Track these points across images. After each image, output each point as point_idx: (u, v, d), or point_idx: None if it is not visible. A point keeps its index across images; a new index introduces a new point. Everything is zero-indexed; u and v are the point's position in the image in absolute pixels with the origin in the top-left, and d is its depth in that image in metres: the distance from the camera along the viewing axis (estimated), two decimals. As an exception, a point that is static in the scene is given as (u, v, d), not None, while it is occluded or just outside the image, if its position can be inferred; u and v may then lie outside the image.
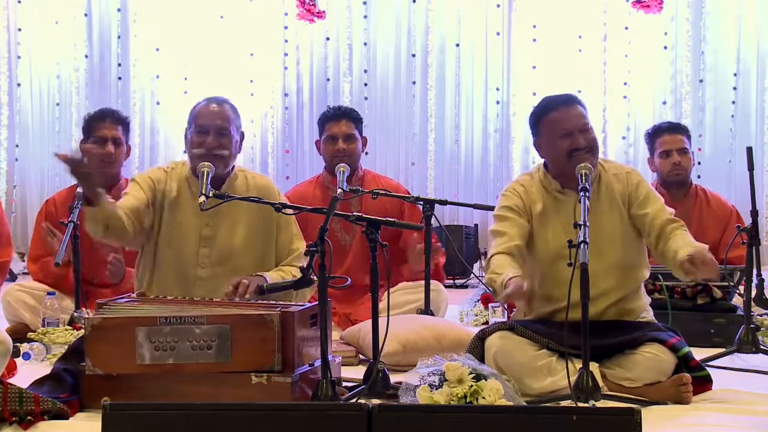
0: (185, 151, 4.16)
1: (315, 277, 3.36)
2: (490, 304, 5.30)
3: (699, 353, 3.97)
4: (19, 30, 8.63)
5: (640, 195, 3.85)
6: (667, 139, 5.46)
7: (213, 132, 4.00)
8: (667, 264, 3.78)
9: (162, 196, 4.06)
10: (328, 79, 8.68)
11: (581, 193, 3.60)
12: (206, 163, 3.90)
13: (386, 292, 3.54)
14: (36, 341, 4.46)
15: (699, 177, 7.89)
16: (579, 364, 3.43)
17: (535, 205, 3.87)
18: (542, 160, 3.97)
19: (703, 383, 3.71)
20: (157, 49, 8.63)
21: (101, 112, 5.24)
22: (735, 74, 8.47)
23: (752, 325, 4.32)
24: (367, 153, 5.40)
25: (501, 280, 3.57)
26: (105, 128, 5.12)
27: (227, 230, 4.05)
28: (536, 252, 3.85)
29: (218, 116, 4.03)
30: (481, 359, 3.69)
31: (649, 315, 3.93)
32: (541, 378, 3.65)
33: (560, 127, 3.79)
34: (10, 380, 3.56)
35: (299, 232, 4.21)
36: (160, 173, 4.12)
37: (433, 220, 4.82)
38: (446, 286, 5.68)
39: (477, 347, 3.77)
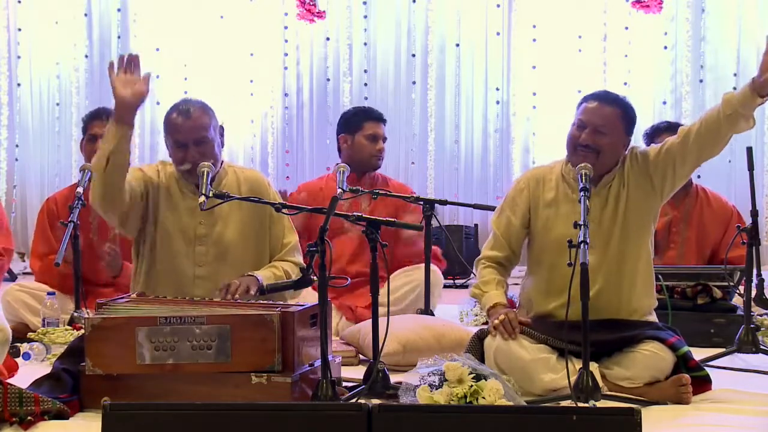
0: None
1: (315, 277, 3.36)
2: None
3: (699, 353, 3.98)
4: (19, 30, 8.64)
5: (652, 152, 3.88)
6: (665, 138, 5.45)
7: (192, 145, 3.92)
8: (724, 127, 3.68)
9: (156, 193, 4.03)
10: (328, 79, 8.68)
11: (581, 193, 3.60)
12: (206, 162, 3.89)
13: (386, 291, 3.54)
14: (36, 341, 4.46)
15: (699, 177, 7.88)
16: (579, 363, 3.43)
17: (547, 194, 3.90)
18: None
19: (702, 383, 3.70)
20: (157, 49, 8.63)
21: (97, 111, 5.27)
22: (735, 74, 8.47)
23: (752, 325, 4.32)
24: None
25: (484, 302, 3.89)
26: (97, 126, 5.14)
27: (222, 227, 4.04)
28: (544, 239, 3.87)
29: (193, 128, 3.93)
30: (481, 359, 3.69)
31: (651, 317, 3.92)
32: (542, 376, 3.65)
33: (578, 117, 3.84)
34: (10, 380, 3.56)
35: (291, 224, 4.20)
36: (153, 171, 4.08)
37: (433, 220, 4.83)
38: (446, 286, 5.68)
39: (476, 347, 3.78)
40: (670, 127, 5.62)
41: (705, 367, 3.78)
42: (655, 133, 5.55)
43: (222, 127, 4.11)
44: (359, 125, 5.40)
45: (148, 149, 8.71)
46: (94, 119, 5.18)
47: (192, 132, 3.93)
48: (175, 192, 4.05)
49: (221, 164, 4.08)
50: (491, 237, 4.01)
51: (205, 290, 3.93)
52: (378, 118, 5.47)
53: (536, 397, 3.63)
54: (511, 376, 3.60)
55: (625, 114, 3.88)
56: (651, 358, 3.64)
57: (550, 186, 3.91)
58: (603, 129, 3.80)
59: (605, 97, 3.90)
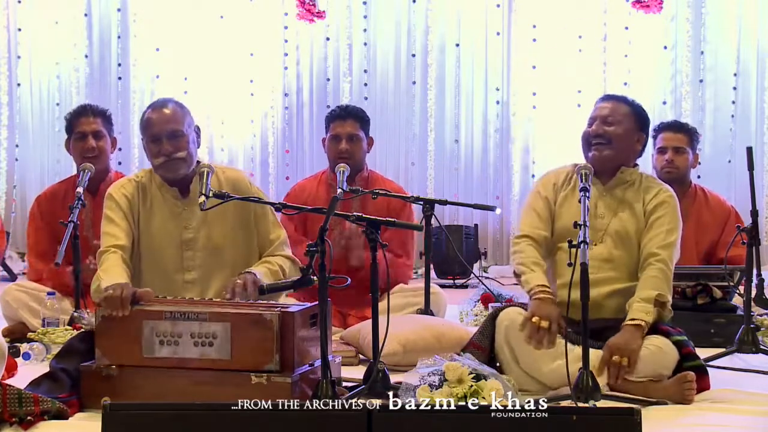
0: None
1: (315, 277, 3.36)
2: (490, 304, 5.29)
3: (699, 353, 3.97)
4: (19, 30, 8.64)
5: (653, 214, 3.91)
6: (665, 136, 5.45)
7: (166, 138, 3.93)
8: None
9: (138, 210, 4.03)
10: (328, 79, 8.68)
11: (581, 193, 3.63)
12: (206, 163, 3.89)
13: (386, 292, 3.54)
14: (36, 341, 4.46)
15: (699, 177, 7.88)
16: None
17: (562, 192, 3.99)
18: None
19: (700, 377, 3.70)
20: (157, 49, 8.63)
21: (80, 108, 5.28)
22: (735, 74, 8.47)
23: (752, 325, 4.32)
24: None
25: (529, 288, 3.81)
26: (83, 123, 5.15)
27: (207, 230, 4.02)
28: (554, 231, 3.96)
29: (167, 120, 3.95)
30: (491, 339, 3.78)
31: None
32: (549, 361, 3.68)
33: (591, 114, 4.04)
34: (9, 381, 3.56)
35: (276, 219, 4.17)
36: (132, 187, 4.04)
37: (433, 220, 4.81)
38: (446, 287, 5.66)
39: (487, 327, 3.84)
40: (673, 126, 5.60)
41: (700, 359, 3.79)
42: (658, 130, 5.50)
43: (198, 128, 4.10)
44: (327, 126, 5.29)
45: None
46: (79, 116, 5.18)
47: (166, 124, 3.95)
48: (156, 200, 4.04)
49: (197, 163, 4.03)
50: (527, 217, 4.02)
51: (196, 294, 3.93)
52: (341, 116, 5.24)
53: (539, 387, 3.69)
54: (519, 359, 3.69)
55: (635, 111, 4.04)
56: (656, 354, 3.67)
57: (567, 185, 4.01)
58: (611, 119, 3.97)
59: (615, 96, 4.14)
